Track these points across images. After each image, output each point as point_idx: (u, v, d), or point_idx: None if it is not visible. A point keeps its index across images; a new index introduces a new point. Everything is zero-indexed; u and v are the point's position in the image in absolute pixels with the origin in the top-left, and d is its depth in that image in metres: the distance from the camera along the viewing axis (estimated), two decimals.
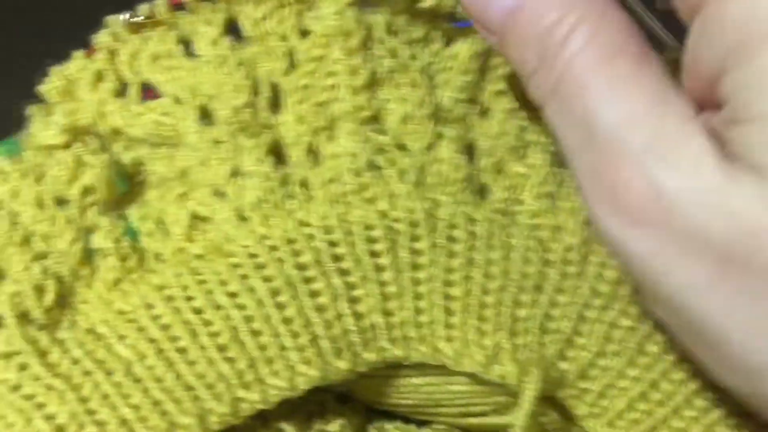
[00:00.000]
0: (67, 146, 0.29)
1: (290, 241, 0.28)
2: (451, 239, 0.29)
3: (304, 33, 0.30)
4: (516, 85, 0.30)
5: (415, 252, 0.28)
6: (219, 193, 0.29)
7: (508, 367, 0.27)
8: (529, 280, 0.29)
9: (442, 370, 0.29)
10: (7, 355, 0.27)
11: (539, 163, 0.30)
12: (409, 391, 0.30)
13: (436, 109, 0.29)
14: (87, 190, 0.29)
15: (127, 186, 0.30)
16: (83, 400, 0.26)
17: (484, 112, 0.31)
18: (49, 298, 0.28)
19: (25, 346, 0.26)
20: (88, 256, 0.29)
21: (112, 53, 0.31)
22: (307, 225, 0.28)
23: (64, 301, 0.28)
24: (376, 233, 0.28)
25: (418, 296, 0.28)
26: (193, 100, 0.29)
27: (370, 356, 0.28)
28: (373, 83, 0.29)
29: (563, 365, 0.29)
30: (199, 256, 0.28)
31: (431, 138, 0.29)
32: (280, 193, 0.28)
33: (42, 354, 0.27)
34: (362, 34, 0.29)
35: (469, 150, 0.30)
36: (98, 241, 0.29)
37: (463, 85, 0.30)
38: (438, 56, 0.31)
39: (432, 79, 0.30)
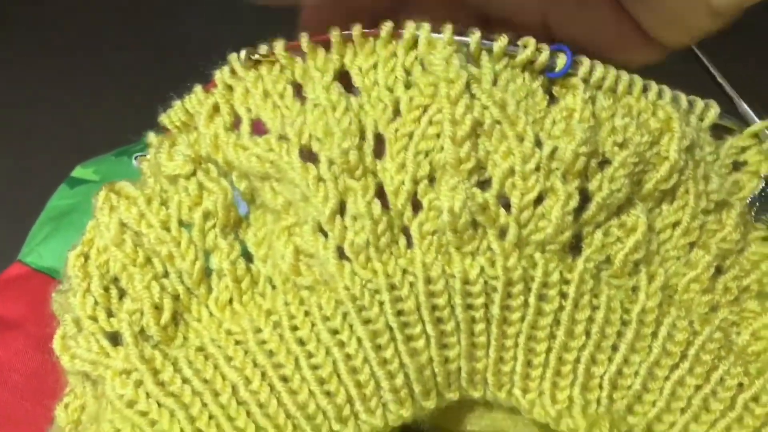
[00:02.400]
0: (189, 175, 0.31)
1: (392, 288, 0.29)
2: (543, 298, 0.30)
3: (410, 84, 0.31)
4: None
5: (507, 308, 0.30)
6: (322, 230, 0.30)
7: (579, 420, 0.30)
8: (608, 339, 0.31)
9: (512, 408, 0.31)
10: (125, 372, 0.29)
11: (639, 228, 0.31)
12: (478, 420, 0.33)
13: (546, 163, 0.30)
14: (208, 215, 0.31)
15: (246, 208, 0.32)
16: (191, 420, 0.29)
17: (603, 163, 0.31)
18: (166, 315, 0.30)
19: (140, 364, 0.29)
20: (206, 276, 0.31)
21: (229, 89, 0.32)
22: (410, 274, 0.30)
23: (179, 318, 0.31)
24: (474, 288, 0.30)
25: (503, 348, 0.30)
26: (297, 138, 0.30)
27: (452, 396, 0.31)
28: (476, 134, 0.30)
29: (631, 419, 0.31)
30: (307, 288, 0.30)
31: (537, 194, 0.30)
32: (386, 237, 0.30)
33: (156, 372, 0.29)
34: (466, 83, 0.29)
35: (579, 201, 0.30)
36: (216, 261, 0.31)
37: (586, 137, 0.29)
38: (545, 109, 0.31)
39: (541, 132, 0.30)
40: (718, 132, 0.34)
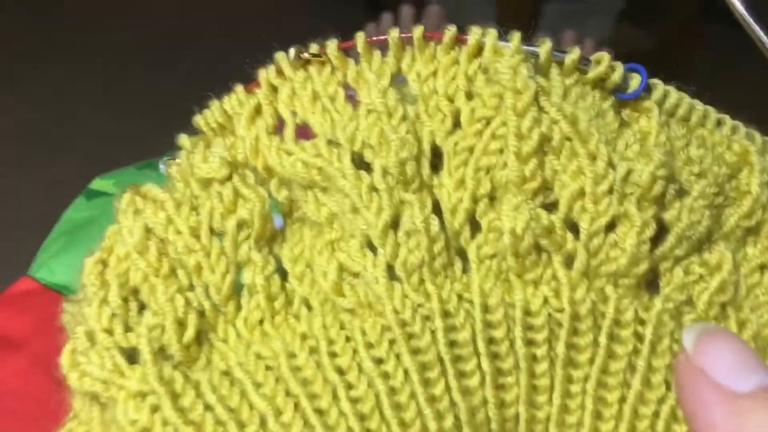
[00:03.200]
0: (225, 180, 0.29)
1: (446, 315, 0.26)
2: (615, 339, 0.27)
3: (472, 95, 0.28)
4: None
5: (573, 347, 0.26)
6: (370, 246, 0.27)
7: None
8: None
9: None
10: (141, 395, 0.26)
11: (724, 265, 0.28)
12: None
13: (621, 185, 0.27)
14: (243, 224, 0.28)
15: (281, 222, 0.29)
16: None
17: (681, 193, 0.28)
18: (190, 333, 0.27)
19: (159, 386, 0.25)
20: (235, 291, 0.28)
21: (273, 89, 0.30)
22: (467, 300, 0.26)
23: (203, 337, 0.27)
24: (537, 321, 0.26)
25: (568, 394, 0.27)
26: (350, 145, 0.28)
27: None
28: (543, 151, 0.27)
29: None
30: (349, 311, 0.27)
31: (610, 219, 0.27)
32: (442, 258, 0.27)
33: (175, 396, 0.26)
34: (534, 95, 0.27)
35: (655, 234, 0.27)
36: (249, 276, 0.28)
37: (664, 159, 0.27)
38: (617, 130, 0.28)
39: (613, 153, 0.27)
40: None
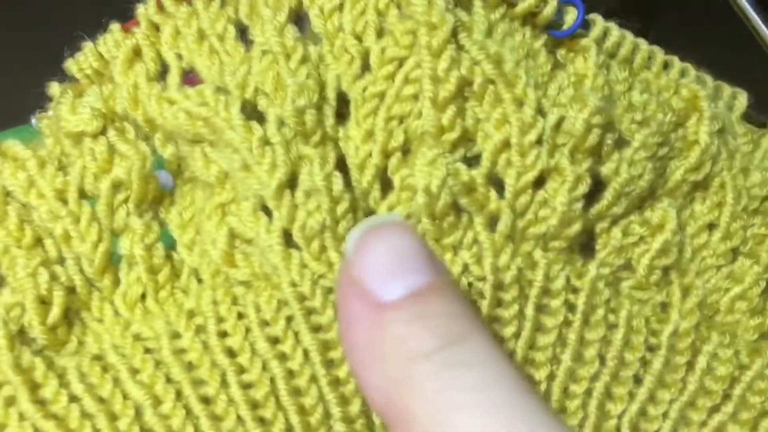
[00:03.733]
0: (98, 134, 0.25)
1: None
2: (544, 310, 0.24)
3: (383, 33, 0.25)
4: None
5: (496, 320, 0.23)
6: (265, 210, 0.24)
7: None
8: (627, 368, 0.24)
9: None
10: None
11: (666, 224, 0.25)
12: None
13: (551, 135, 0.24)
14: (119, 185, 0.24)
15: (169, 184, 0.26)
16: None
17: (620, 143, 0.25)
18: (56, 312, 0.23)
19: (14, 376, 0.22)
20: (112, 263, 0.24)
21: (155, 28, 0.26)
22: None
23: (73, 317, 0.24)
24: None
25: None
26: (240, 92, 0.24)
27: None
28: (464, 96, 0.24)
29: None
30: (243, 283, 0.24)
31: (539, 173, 0.24)
32: (347, 221, 0.23)
33: (34, 387, 0.22)
34: (452, 31, 0.23)
35: (590, 191, 0.25)
36: (127, 246, 0.24)
37: (600, 105, 0.24)
38: (549, 73, 0.25)
39: (544, 98, 0.24)
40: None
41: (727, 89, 0.29)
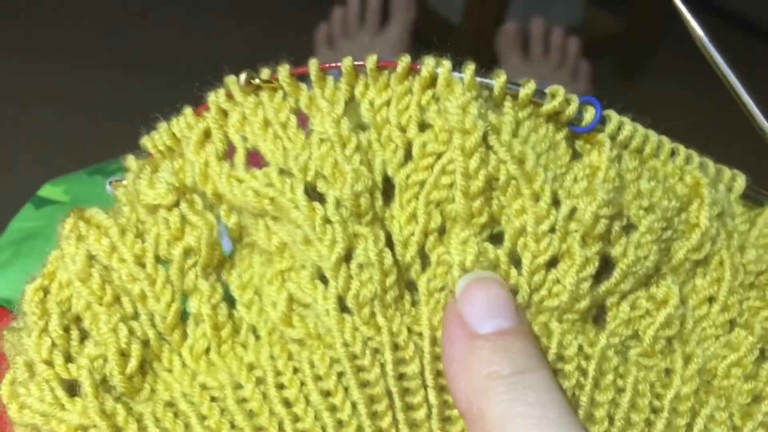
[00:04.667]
0: (172, 206, 0.28)
1: (396, 348, 0.26)
2: (559, 374, 0.27)
3: (424, 126, 0.28)
4: None
5: None
6: (321, 278, 0.27)
7: None
8: (634, 428, 0.27)
9: None
10: (82, 428, 0.25)
11: (670, 300, 0.28)
12: None
13: (564, 224, 0.27)
14: (189, 251, 0.28)
15: (230, 246, 0.29)
16: None
17: (627, 227, 0.28)
18: (133, 363, 0.26)
19: (100, 420, 0.25)
20: (181, 320, 0.27)
21: (223, 114, 0.29)
22: (416, 333, 0.26)
23: (146, 367, 0.27)
24: None
25: None
26: (302, 175, 0.27)
27: None
28: (491, 188, 0.27)
29: None
30: (297, 341, 0.27)
31: (550, 257, 0.27)
32: (394, 291, 0.27)
33: (117, 430, 0.25)
34: (482, 134, 0.26)
35: (601, 268, 0.28)
36: (195, 305, 0.27)
37: (608, 198, 0.27)
38: (567, 164, 0.28)
39: (560, 189, 0.27)
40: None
41: (727, 172, 0.31)
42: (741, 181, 0.31)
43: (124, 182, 0.30)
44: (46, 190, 0.41)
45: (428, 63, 0.28)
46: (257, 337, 0.28)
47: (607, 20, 1.79)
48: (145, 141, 0.30)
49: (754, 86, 0.31)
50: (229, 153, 0.29)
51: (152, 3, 1.82)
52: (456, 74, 0.27)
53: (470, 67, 0.27)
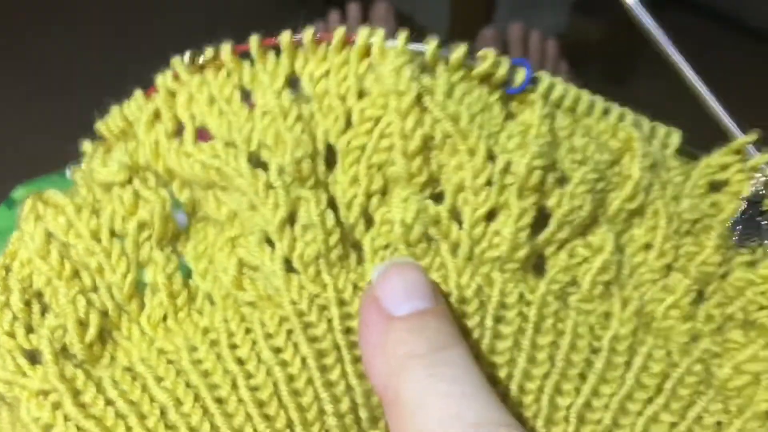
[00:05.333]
0: (125, 183, 0.29)
1: (342, 303, 0.27)
2: (501, 320, 0.28)
3: (363, 94, 0.29)
4: None
5: (462, 329, 0.28)
6: (269, 242, 0.28)
7: None
8: (574, 368, 0.28)
9: None
10: (42, 393, 0.26)
11: (605, 247, 0.29)
12: None
13: (500, 177, 0.28)
14: (143, 225, 0.29)
15: (185, 223, 0.30)
16: None
17: (562, 180, 0.29)
18: (92, 332, 0.27)
19: (59, 384, 0.26)
20: (138, 290, 0.29)
21: (171, 94, 0.31)
22: (361, 289, 0.28)
23: (106, 336, 0.28)
24: None
25: None
26: (246, 145, 0.29)
27: None
28: (428, 147, 0.29)
29: None
30: (249, 304, 0.28)
31: (488, 209, 0.28)
32: (338, 250, 0.28)
33: (76, 393, 0.26)
34: (417, 96, 0.28)
35: (538, 219, 0.29)
36: (151, 275, 0.29)
37: (541, 151, 0.28)
38: (502, 123, 0.29)
39: (495, 146, 0.29)
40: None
41: (662, 129, 0.32)
42: (676, 137, 0.33)
43: (82, 166, 0.31)
44: (18, 192, 0.42)
45: (362, 33, 0.29)
46: (212, 304, 0.29)
47: (592, 26, 1.82)
48: (100, 125, 0.31)
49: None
50: (179, 132, 0.30)
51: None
52: (390, 42, 0.29)
53: (402, 35, 0.29)
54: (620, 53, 1.83)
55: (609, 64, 1.84)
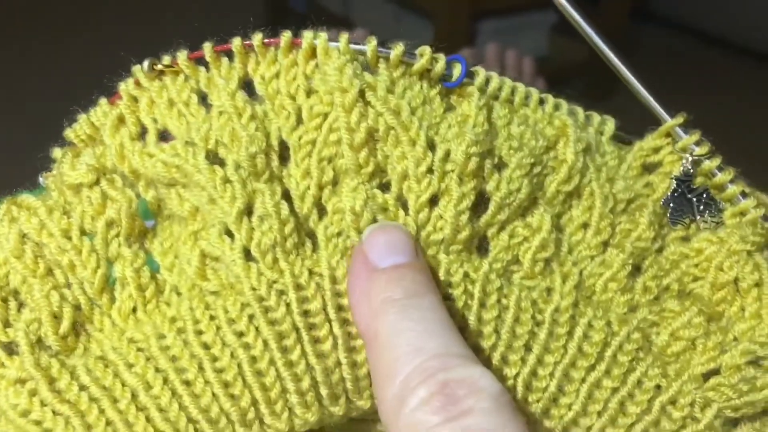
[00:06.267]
0: (93, 184, 0.31)
1: (299, 288, 0.29)
2: (449, 298, 0.30)
3: (311, 92, 0.31)
4: None
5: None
6: (228, 233, 0.30)
7: None
8: (518, 339, 0.30)
9: None
10: (20, 381, 0.28)
11: (543, 226, 0.31)
12: None
13: (440, 165, 0.30)
14: (111, 223, 0.31)
15: (151, 220, 0.32)
16: (87, 427, 0.28)
17: (499, 166, 0.31)
18: (66, 325, 0.29)
19: (35, 372, 0.28)
20: (109, 285, 0.31)
21: (134, 99, 0.33)
22: (317, 274, 0.30)
23: (80, 329, 0.30)
24: None
25: None
26: (204, 143, 0.30)
27: (363, 404, 0.30)
28: (374, 139, 0.31)
29: (547, 423, 0.30)
30: (213, 293, 0.30)
31: (430, 195, 0.30)
32: (293, 239, 0.30)
33: (51, 380, 0.28)
34: (359, 91, 0.30)
35: (478, 202, 0.31)
36: (119, 270, 0.31)
37: (477, 139, 0.30)
38: (442, 115, 0.31)
39: (436, 136, 0.31)
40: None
41: (597, 117, 0.35)
42: (610, 124, 0.35)
43: (53, 172, 0.33)
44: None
45: (307, 36, 0.31)
46: (179, 295, 0.31)
47: (573, 47, 1.84)
48: (68, 132, 0.33)
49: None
50: (143, 135, 0.32)
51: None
52: (333, 44, 0.31)
53: (344, 36, 0.31)
54: (601, 72, 1.85)
55: (590, 83, 1.86)
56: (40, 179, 0.33)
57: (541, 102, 0.34)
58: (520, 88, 0.34)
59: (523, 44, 1.53)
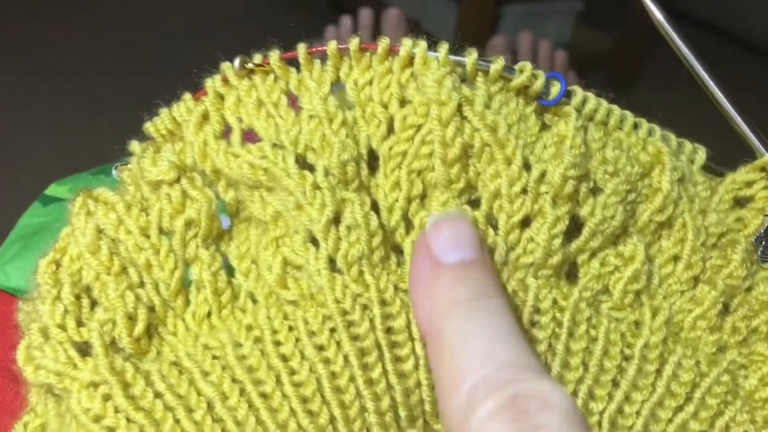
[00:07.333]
0: (173, 182, 0.30)
1: (384, 303, 0.28)
2: (536, 325, 0.29)
3: (404, 102, 0.30)
4: None
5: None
6: (313, 241, 0.29)
7: None
8: (606, 374, 0.29)
9: None
10: (93, 385, 0.27)
11: (636, 256, 0.30)
12: None
13: (535, 186, 0.29)
14: (190, 223, 0.30)
15: (228, 223, 0.31)
16: None
17: (594, 191, 0.30)
18: (140, 327, 0.28)
19: (110, 376, 0.27)
20: (184, 287, 0.30)
21: (220, 97, 0.32)
22: (402, 291, 0.28)
23: (153, 331, 0.29)
24: None
25: None
26: (293, 147, 0.30)
27: (439, 428, 0.29)
28: (467, 155, 0.30)
29: None
30: (291, 302, 0.29)
31: (523, 216, 0.29)
32: (380, 252, 0.29)
33: (126, 386, 0.27)
34: (457, 105, 0.29)
35: (571, 228, 0.30)
36: (196, 272, 0.29)
37: (575, 161, 0.29)
38: (537, 134, 0.31)
39: (531, 155, 0.30)
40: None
41: (689, 145, 0.34)
42: (702, 154, 0.34)
43: (129, 166, 0.32)
44: (53, 189, 0.43)
45: (406, 43, 0.30)
46: (255, 302, 0.30)
47: (597, 37, 1.84)
48: (148, 126, 0.32)
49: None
50: (226, 134, 0.31)
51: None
52: (432, 53, 0.30)
53: (444, 46, 0.30)
54: (625, 63, 1.85)
55: (613, 73, 1.86)
56: (114, 172, 0.33)
57: (635, 126, 0.33)
58: (616, 110, 0.33)
59: (546, 31, 1.52)
